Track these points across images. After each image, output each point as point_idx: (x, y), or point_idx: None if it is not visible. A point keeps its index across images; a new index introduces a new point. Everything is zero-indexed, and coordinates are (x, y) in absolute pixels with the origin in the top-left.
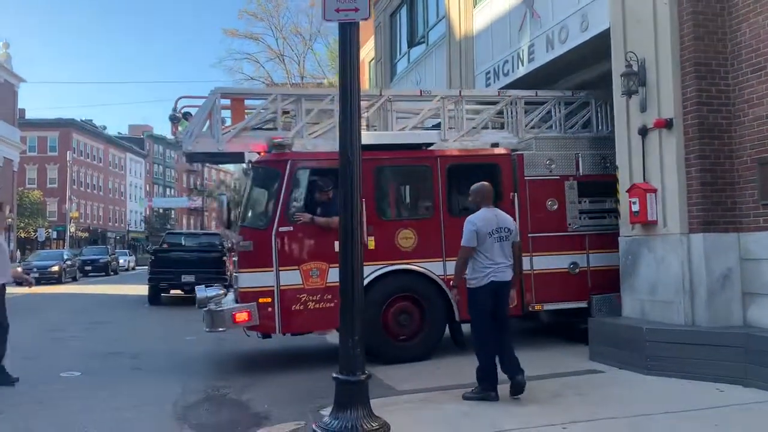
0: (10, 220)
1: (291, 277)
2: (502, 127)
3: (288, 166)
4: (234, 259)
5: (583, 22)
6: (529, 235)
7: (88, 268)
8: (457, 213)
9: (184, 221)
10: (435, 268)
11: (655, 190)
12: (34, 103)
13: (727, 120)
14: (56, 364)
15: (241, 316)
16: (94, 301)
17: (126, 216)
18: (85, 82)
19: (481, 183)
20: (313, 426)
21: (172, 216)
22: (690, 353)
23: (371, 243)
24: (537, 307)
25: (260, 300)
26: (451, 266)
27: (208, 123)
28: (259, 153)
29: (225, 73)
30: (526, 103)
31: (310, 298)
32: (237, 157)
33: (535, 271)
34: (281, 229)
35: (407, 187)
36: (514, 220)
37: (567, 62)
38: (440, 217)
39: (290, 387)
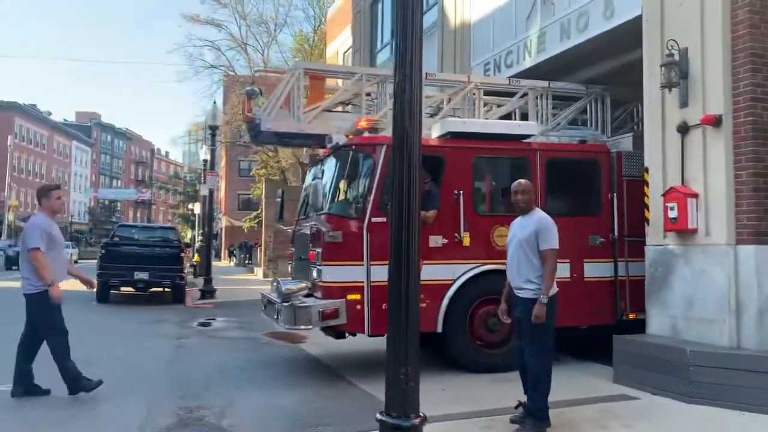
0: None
1: (382, 273)
2: (575, 123)
3: (383, 152)
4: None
5: (607, 9)
6: (626, 239)
7: None
8: (556, 211)
9: (131, 214)
10: None
11: (696, 195)
12: None
13: None
14: None
15: (330, 314)
16: None
17: (69, 206)
18: (17, 56)
19: (524, 180)
20: None
21: (118, 208)
22: (739, 380)
23: (466, 240)
24: (631, 316)
25: (349, 297)
26: None
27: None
28: (346, 136)
29: (184, 59)
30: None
31: None
32: (313, 139)
33: (630, 278)
34: (374, 219)
35: (504, 181)
36: (612, 222)
37: (584, 53)
38: None
39: (276, 409)
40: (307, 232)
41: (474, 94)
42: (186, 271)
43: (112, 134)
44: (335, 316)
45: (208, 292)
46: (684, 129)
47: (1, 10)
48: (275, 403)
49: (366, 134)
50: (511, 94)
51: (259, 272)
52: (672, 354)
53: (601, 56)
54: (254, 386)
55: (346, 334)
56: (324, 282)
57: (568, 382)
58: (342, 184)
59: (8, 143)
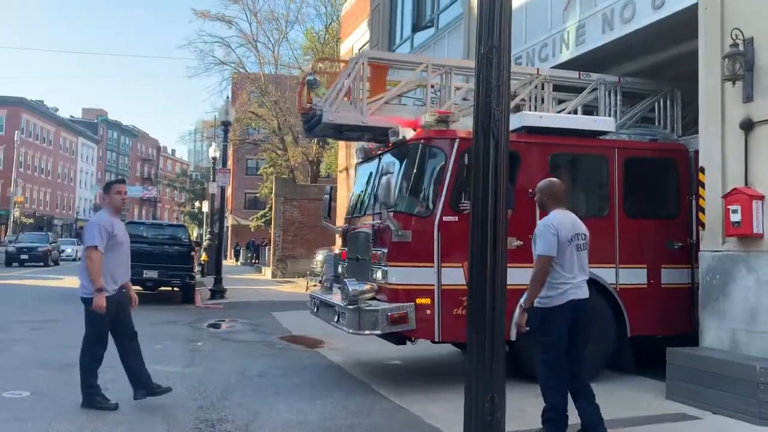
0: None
1: (453, 276)
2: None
3: (455, 146)
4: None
5: None
6: None
7: (24, 257)
8: (632, 213)
9: (136, 211)
10: (606, 275)
11: (762, 197)
12: None
13: None
14: None
15: (398, 318)
16: (36, 294)
17: (75, 203)
18: (8, 47)
19: (549, 179)
20: None
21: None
22: None
23: None
24: None
25: (418, 300)
26: (625, 274)
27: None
28: (414, 129)
29: (194, 55)
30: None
31: None
32: (372, 132)
33: None
34: (445, 218)
35: (580, 180)
36: (691, 225)
37: (627, 46)
38: (615, 216)
39: (305, 425)
40: (367, 230)
41: (543, 88)
42: (196, 270)
43: (119, 131)
44: (404, 321)
45: (218, 292)
46: (748, 125)
47: (9, 4)
48: (302, 417)
49: (435, 127)
50: (577, 89)
51: (267, 272)
52: (737, 370)
53: (646, 49)
54: (277, 397)
55: (407, 341)
56: (391, 284)
57: (617, 399)
58: (409, 180)
59: (15, 139)
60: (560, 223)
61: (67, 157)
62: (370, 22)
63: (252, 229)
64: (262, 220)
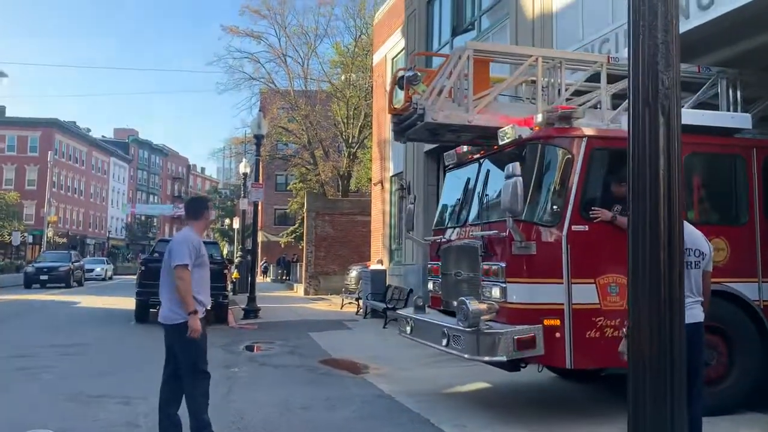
0: None
1: (585, 293)
2: None
3: (583, 146)
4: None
5: None
6: None
7: (44, 277)
8: None
9: (167, 230)
10: (748, 290)
11: None
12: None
13: None
14: (23, 414)
15: (526, 342)
16: (67, 315)
17: (107, 222)
18: (45, 64)
19: None
20: None
21: (155, 224)
22: None
23: None
24: None
25: (546, 322)
26: None
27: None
28: (531, 128)
29: (224, 70)
30: None
31: (608, 322)
32: (474, 133)
33: None
34: (575, 227)
35: (716, 183)
36: None
37: (704, 36)
38: (755, 223)
39: None
40: (472, 242)
41: None
42: (229, 288)
43: (149, 150)
44: (532, 346)
45: (251, 311)
46: None
47: (42, 24)
48: None
49: (556, 125)
50: (690, 85)
51: (299, 289)
52: None
53: (726, 39)
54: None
55: (520, 367)
56: (512, 303)
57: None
58: (528, 185)
59: (48, 159)
60: None
61: (100, 177)
62: (404, 29)
63: (282, 245)
64: (293, 236)
